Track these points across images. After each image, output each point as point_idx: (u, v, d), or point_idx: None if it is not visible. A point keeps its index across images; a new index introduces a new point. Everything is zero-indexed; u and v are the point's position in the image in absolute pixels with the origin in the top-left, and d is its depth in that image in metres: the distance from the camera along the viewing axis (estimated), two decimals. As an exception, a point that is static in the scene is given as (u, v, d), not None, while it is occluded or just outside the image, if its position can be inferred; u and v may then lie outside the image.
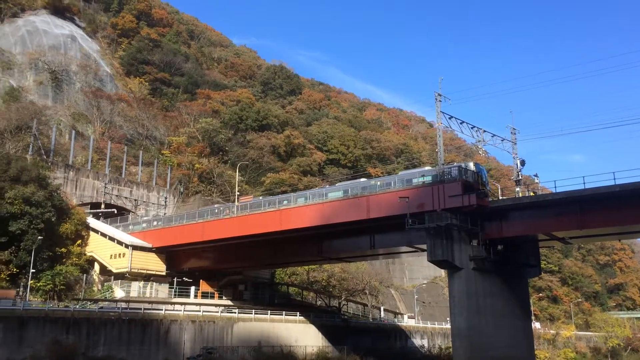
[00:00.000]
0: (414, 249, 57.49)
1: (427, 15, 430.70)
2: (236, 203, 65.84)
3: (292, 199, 58.99)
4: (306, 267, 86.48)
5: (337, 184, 60.84)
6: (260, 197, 70.50)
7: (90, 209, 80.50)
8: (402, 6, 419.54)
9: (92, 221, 74.90)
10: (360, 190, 53.30)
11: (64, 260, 66.05)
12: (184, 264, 72.77)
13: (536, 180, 55.81)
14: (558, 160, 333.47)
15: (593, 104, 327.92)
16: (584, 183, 42.83)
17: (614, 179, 41.68)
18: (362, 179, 58.86)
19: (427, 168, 55.12)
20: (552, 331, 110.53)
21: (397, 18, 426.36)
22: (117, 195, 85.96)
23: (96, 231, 72.96)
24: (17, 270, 58.96)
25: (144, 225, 75.20)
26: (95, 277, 71.40)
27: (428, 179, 49.69)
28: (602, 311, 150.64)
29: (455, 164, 52.73)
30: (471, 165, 49.02)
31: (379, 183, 53.53)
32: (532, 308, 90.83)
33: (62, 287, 62.06)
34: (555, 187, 45.26)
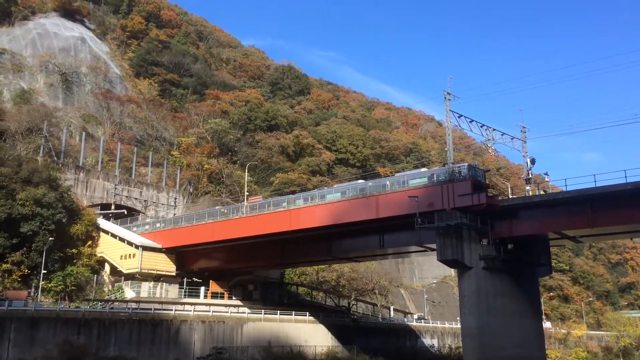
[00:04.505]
0: (423, 249, 57.30)
1: (438, 13, 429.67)
2: (245, 203, 65.95)
3: (301, 199, 59.05)
4: (315, 267, 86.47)
5: (334, 186, 60.90)
6: (270, 198, 70.61)
7: (101, 210, 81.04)
8: (414, 4, 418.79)
9: (102, 222, 75.33)
10: (359, 191, 53.36)
11: (75, 261, 66.49)
12: (193, 265, 73.00)
13: (546, 179, 55.44)
14: (572, 159, 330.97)
15: (608, 101, 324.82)
16: (595, 181, 42.69)
17: (626, 177, 41.42)
18: (360, 181, 58.91)
19: (423, 169, 55.10)
20: (563, 330, 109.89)
21: (409, 16, 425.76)
22: (127, 196, 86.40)
23: (106, 232, 73.38)
24: (29, 272, 59.38)
25: (154, 225, 75.57)
26: (105, 277, 71.83)
27: (424, 180, 49.63)
28: (614, 310, 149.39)
29: (464, 164, 52.38)
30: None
31: (371, 184, 53.73)
32: (542, 307, 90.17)
33: (73, 287, 62.44)
34: (566, 185, 44.98)
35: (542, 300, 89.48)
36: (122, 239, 71.21)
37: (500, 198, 49.19)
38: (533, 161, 53.73)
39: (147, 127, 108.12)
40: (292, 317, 69.05)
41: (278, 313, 67.82)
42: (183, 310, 60.75)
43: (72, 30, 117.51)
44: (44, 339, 47.51)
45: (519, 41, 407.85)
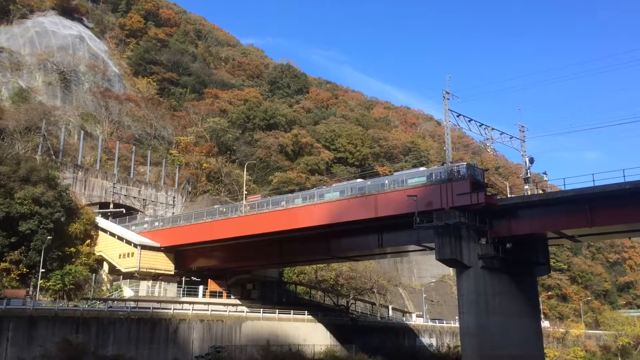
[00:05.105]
0: (422, 248, 57.33)
1: (437, 12, 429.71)
2: (244, 202, 65.92)
3: (299, 198, 59.05)
4: (314, 266, 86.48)
5: (333, 185, 60.97)
6: (269, 197, 70.62)
7: (99, 208, 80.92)
8: (413, 3, 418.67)
9: (101, 221, 75.27)
10: (358, 190, 53.36)
11: (73, 260, 66.44)
12: (192, 264, 72.99)
13: (545, 178, 55.51)
14: (571, 158, 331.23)
15: (608, 101, 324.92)
16: (594, 181, 42.66)
17: (624, 176, 41.43)
18: (359, 180, 58.95)
19: (422, 169, 55.09)
20: (561, 330, 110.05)
21: (408, 15, 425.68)
22: (125, 195, 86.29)
23: (105, 231, 73.31)
24: (27, 270, 59.34)
25: (153, 224, 75.55)
26: (104, 276, 71.75)
27: (422, 179, 49.63)
28: (612, 309, 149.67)
29: (462, 163, 52.39)
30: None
31: (369, 183, 53.80)
32: (541, 306, 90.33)
33: (71, 286, 62.42)
34: (565, 184, 45.01)
35: (540, 299, 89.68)
36: (120, 238, 71.14)
37: (498, 197, 49.18)
38: (532, 160, 53.77)
39: (146, 126, 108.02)
40: (291, 316, 69.03)
41: (277, 312, 67.79)
42: (182, 309, 60.69)
43: (70, 29, 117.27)
44: (43, 338, 47.39)
45: (519, 41, 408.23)
